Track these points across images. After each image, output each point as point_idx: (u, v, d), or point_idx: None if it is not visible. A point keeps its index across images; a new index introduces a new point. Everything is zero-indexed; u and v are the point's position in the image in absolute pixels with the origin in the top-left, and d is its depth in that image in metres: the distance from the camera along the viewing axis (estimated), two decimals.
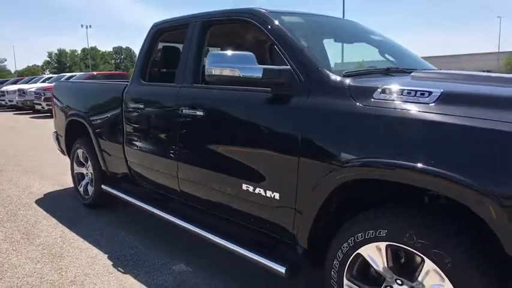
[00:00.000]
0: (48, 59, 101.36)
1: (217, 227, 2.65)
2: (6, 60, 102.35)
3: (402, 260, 1.76)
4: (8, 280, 2.72)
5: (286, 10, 2.68)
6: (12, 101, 18.61)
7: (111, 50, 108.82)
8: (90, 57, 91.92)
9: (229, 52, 2.16)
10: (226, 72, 2.14)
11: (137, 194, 3.54)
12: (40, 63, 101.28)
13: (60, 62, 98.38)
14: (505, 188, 1.39)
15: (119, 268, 2.89)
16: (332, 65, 2.61)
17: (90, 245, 3.30)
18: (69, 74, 19.47)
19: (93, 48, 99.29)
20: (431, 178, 1.54)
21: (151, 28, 3.40)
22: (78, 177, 4.46)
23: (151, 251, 3.16)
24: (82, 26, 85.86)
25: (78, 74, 18.87)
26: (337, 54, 3.28)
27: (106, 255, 3.10)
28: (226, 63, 2.13)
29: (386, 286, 1.81)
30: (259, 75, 2.10)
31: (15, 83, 21.83)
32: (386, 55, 2.81)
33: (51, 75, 25.47)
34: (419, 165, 1.56)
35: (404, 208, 1.78)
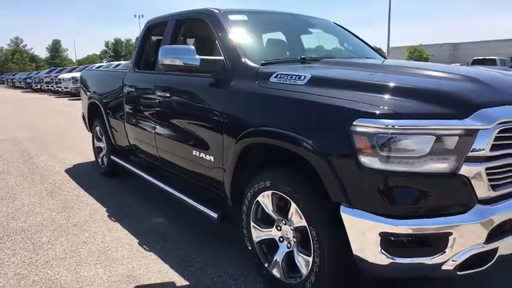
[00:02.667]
0: (105, 48, 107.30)
1: (177, 184, 3.33)
2: (68, 50, 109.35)
3: (281, 204, 2.31)
4: (29, 222, 3.58)
5: (239, 9, 3.24)
6: (67, 88, 20.53)
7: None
8: None
9: (175, 46, 2.78)
10: (173, 62, 2.76)
11: (135, 162, 4.31)
12: (98, 52, 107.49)
13: (116, 51, 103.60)
14: (329, 149, 1.90)
15: (112, 218, 3.66)
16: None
17: (96, 201, 4.12)
18: (116, 63, 20.94)
19: None
20: (289, 141, 2.08)
21: (145, 24, 4.10)
22: (97, 151, 5.34)
23: (140, 208, 3.91)
24: (135, 16, 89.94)
25: (123, 62, 20.25)
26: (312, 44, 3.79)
27: (105, 209, 3.89)
28: (172, 54, 2.75)
29: (277, 225, 2.37)
30: (198, 64, 2.71)
31: (70, 71, 23.86)
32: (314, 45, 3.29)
33: (102, 63, 27.43)
34: (281, 131, 2.11)
35: (281, 165, 2.32)
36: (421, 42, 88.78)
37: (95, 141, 5.36)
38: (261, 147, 2.39)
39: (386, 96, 1.90)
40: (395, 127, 1.74)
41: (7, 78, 46.01)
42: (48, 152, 6.63)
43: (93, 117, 5.25)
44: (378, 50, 3.68)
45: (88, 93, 5.27)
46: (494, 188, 1.83)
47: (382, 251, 1.80)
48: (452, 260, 1.80)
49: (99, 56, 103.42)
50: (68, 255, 2.92)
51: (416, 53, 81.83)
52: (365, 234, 1.83)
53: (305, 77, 2.23)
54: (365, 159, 1.79)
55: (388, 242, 1.80)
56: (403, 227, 1.76)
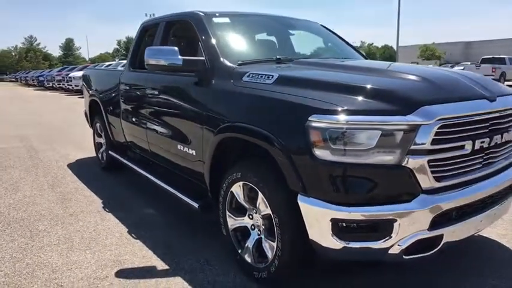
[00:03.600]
0: (117, 46, 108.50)
1: (167, 177, 3.53)
2: (80, 48, 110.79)
3: (251, 194, 2.49)
4: (29, 211, 3.82)
5: (224, 12, 3.42)
6: (77, 86, 20.97)
7: None
8: None
9: (159, 47, 2.98)
10: (157, 62, 2.95)
11: (131, 157, 4.53)
12: (110, 51, 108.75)
13: (128, 49, 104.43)
14: (287, 143, 2.07)
15: (106, 209, 3.88)
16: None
17: (93, 194, 4.35)
18: (124, 61, 21.31)
19: None
20: (254, 136, 2.26)
21: (140, 25, 4.31)
22: (97, 146, 5.58)
23: (134, 200, 4.13)
24: (146, 14, 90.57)
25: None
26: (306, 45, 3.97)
27: (101, 201, 4.12)
28: (156, 55, 2.95)
29: (249, 214, 2.56)
30: (180, 63, 2.90)
31: (81, 69, 24.31)
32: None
33: (112, 62, 27.89)
34: (248, 126, 2.29)
35: (250, 158, 2.50)
36: (434, 41, 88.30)
37: (96, 137, 5.60)
38: (234, 141, 2.57)
39: (339, 94, 2.07)
40: (345, 122, 1.91)
41: (20, 76, 46.98)
42: (54, 148, 6.91)
43: (94, 114, 5.49)
44: (358, 50, 3.83)
45: (89, 91, 5.52)
46: (438, 179, 1.99)
47: (333, 235, 1.97)
48: (398, 245, 1.96)
49: (111, 54, 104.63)
50: (61, 242, 3.15)
51: (428, 52, 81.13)
52: (318, 220, 2.00)
53: (273, 76, 2.41)
54: (318, 152, 1.96)
55: (338, 228, 1.97)
56: (351, 214, 1.93)
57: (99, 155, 5.51)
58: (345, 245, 1.98)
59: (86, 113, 5.99)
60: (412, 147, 1.89)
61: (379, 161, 1.92)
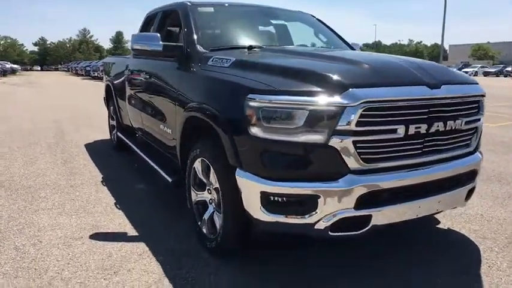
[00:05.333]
0: None
1: (155, 156, 3.80)
2: (128, 41, 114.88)
3: (207, 170, 2.66)
4: (38, 181, 4.24)
5: (210, 2, 3.61)
6: None
7: None
8: None
9: (144, 33, 3.23)
10: (141, 47, 3.19)
11: (133, 138, 4.86)
12: None
13: None
14: (228, 120, 2.23)
15: (103, 183, 4.21)
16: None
17: (97, 170, 4.72)
18: None
19: None
20: (204, 113, 2.43)
21: (145, 16, 4.60)
22: (111, 128, 5.98)
23: (132, 176, 4.45)
24: None
25: None
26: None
27: (102, 176, 4.47)
28: (140, 41, 3.19)
29: (208, 189, 2.74)
30: (161, 49, 3.12)
31: None
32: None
33: None
34: (201, 105, 2.47)
35: (205, 135, 2.66)
36: (489, 40, 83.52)
37: (110, 120, 6.01)
38: (197, 120, 2.76)
39: (279, 77, 2.20)
40: (275, 102, 2.04)
41: (71, 66, 49.84)
42: (79, 130, 7.45)
43: (109, 98, 5.88)
44: (345, 41, 3.88)
45: (106, 77, 5.92)
46: (367, 161, 2.06)
47: (262, 208, 2.11)
48: (323, 221, 2.06)
49: None
50: (54, 207, 3.50)
51: (481, 51, 76.85)
52: (250, 193, 2.15)
53: (230, 60, 2.57)
54: (252, 129, 2.10)
55: (267, 201, 2.10)
56: (278, 188, 2.06)
57: (112, 136, 5.91)
58: (273, 217, 2.11)
59: (104, 98, 6.42)
60: (338, 127, 1.98)
61: (307, 139, 2.03)
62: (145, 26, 4.58)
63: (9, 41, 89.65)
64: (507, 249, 2.75)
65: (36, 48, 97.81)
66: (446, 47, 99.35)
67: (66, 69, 58.91)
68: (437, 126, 2.20)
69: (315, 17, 4.16)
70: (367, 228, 2.13)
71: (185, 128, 2.85)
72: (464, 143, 2.44)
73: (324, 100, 2.00)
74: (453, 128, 2.28)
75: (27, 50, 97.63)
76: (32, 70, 74.90)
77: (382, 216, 2.14)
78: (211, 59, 2.73)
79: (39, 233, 2.98)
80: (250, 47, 3.07)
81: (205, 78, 2.63)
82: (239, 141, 2.17)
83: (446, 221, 3.23)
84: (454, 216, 3.33)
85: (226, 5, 3.73)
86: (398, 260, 2.61)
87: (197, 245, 2.77)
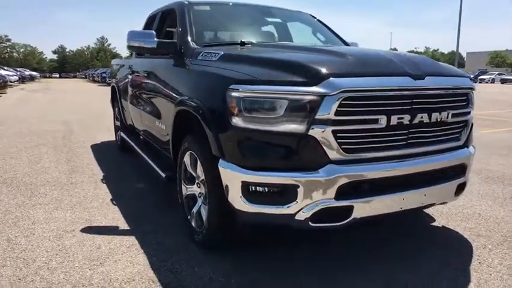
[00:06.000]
0: None
1: (153, 154, 3.83)
2: None
3: (195, 163, 2.68)
4: (39, 178, 4.32)
5: (209, 1, 3.65)
6: None
7: None
8: None
9: (139, 31, 3.29)
10: (136, 44, 3.25)
11: (134, 137, 4.92)
12: None
13: None
14: (212, 111, 2.25)
15: (103, 181, 4.27)
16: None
17: (99, 168, 4.79)
18: None
19: None
20: (191, 106, 2.46)
21: (147, 17, 4.68)
22: (116, 129, 6.07)
23: (130, 175, 4.50)
24: None
25: None
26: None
27: (103, 174, 4.53)
28: (135, 38, 3.25)
29: (197, 183, 2.75)
30: (155, 46, 3.18)
31: None
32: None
33: None
34: (188, 97, 2.49)
35: (195, 129, 2.68)
36: (507, 47, 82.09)
37: (115, 121, 6.10)
38: (187, 113, 2.78)
39: (262, 68, 2.21)
40: (256, 91, 2.05)
41: (89, 73, 50.95)
42: (87, 131, 7.60)
43: (114, 100, 5.98)
44: (341, 38, 3.89)
45: (112, 79, 6.03)
46: (348, 151, 2.05)
47: (243, 198, 2.11)
48: (303, 212, 2.05)
49: None
50: (51, 202, 3.56)
51: (499, 58, 75.65)
52: (232, 184, 2.15)
53: (218, 54, 2.59)
54: (234, 119, 2.11)
55: (248, 191, 2.10)
56: (257, 177, 2.06)
57: (117, 137, 6.00)
58: (255, 207, 2.11)
59: (111, 100, 6.53)
60: (317, 117, 1.98)
61: (287, 129, 2.02)
62: (147, 26, 4.65)
63: (29, 49, 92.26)
64: (501, 247, 2.67)
65: (55, 56, 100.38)
66: (464, 54, 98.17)
67: (83, 76, 60.19)
68: (422, 117, 2.17)
69: (314, 17, 4.17)
70: (348, 219, 2.11)
71: (176, 122, 2.88)
72: (452, 136, 2.40)
73: (303, 89, 2.00)
74: (439, 120, 2.25)
75: (46, 57, 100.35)
76: (51, 77, 76.74)
77: (363, 207, 2.11)
78: (201, 54, 2.77)
79: (34, 225, 3.03)
80: (242, 43, 3.09)
81: (194, 72, 2.67)
82: (222, 132, 2.18)
83: (442, 219, 3.17)
84: (450, 214, 3.26)
85: (225, 4, 3.77)
86: (387, 254, 2.57)
87: (186, 239, 2.78)
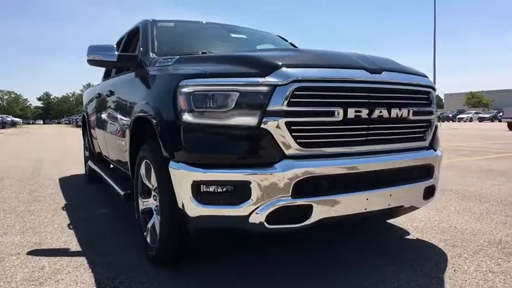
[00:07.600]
0: None
1: (115, 175, 3.64)
2: None
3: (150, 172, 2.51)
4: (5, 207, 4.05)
5: (169, 19, 3.66)
6: None
7: None
8: None
9: (99, 45, 3.21)
10: (95, 57, 3.17)
11: (103, 165, 4.72)
12: None
13: None
14: (162, 110, 2.13)
15: (64, 208, 4.02)
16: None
17: (62, 198, 4.53)
18: None
19: None
20: (144, 111, 2.34)
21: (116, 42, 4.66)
22: (85, 160, 5.86)
23: (95, 202, 4.26)
24: None
25: None
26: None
27: (65, 203, 4.28)
28: (95, 51, 3.17)
29: (153, 195, 2.56)
30: (115, 59, 3.10)
31: None
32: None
33: None
34: (143, 102, 2.38)
35: (150, 136, 2.54)
36: (483, 89, 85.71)
37: (85, 151, 5.90)
38: (141, 119, 2.65)
39: (213, 64, 2.14)
40: (205, 84, 1.96)
41: (73, 118, 50.81)
42: (58, 167, 7.32)
43: (84, 129, 5.83)
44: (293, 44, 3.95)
45: (83, 109, 5.90)
46: (303, 145, 1.93)
47: (194, 200, 1.94)
48: (258, 211, 1.89)
49: None
50: (2, 228, 3.29)
51: (475, 99, 78.71)
52: (182, 185, 1.99)
53: (174, 58, 2.52)
54: (184, 115, 1.99)
55: (199, 191, 1.94)
56: (209, 175, 1.91)
57: (86, 167, 5.77)
58: (206, 209, 1.94)
59: (82, 131, 6.36)
60: (269, 108, 1.88)
61: (239, 122, 1.91)
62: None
63: (13, 95, 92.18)
64: (477, 255, 2.52)
65: (40, 103, 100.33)
66: (442, 96, 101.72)
67: (68, 122, 60.02)
68: (381, 112, 2.09)
69: (284, 38, 4.21)
70: (308, 220, 1.95)
71: (133, 133, 2.75)
72: (416, 136, 2.32)
73: (254, 80, 1.91)
74: (399, 116, 2.17)
75: (30, 104, 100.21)
76: (34, 124, 76.19)
77: (324, 207, 1.96)
78: (159, 61, 2.70)
79: None
80: (204, 53, 3.04)
81: (151, 78, 2.58)
82: (172, 130, 2.06)
83: (416, 233, 3.02)
84: (425, 228, 3.12)
85: (191, 21, 3.78)
86: (357, 264, 2.38)
87: (140, 257, 2.55)
